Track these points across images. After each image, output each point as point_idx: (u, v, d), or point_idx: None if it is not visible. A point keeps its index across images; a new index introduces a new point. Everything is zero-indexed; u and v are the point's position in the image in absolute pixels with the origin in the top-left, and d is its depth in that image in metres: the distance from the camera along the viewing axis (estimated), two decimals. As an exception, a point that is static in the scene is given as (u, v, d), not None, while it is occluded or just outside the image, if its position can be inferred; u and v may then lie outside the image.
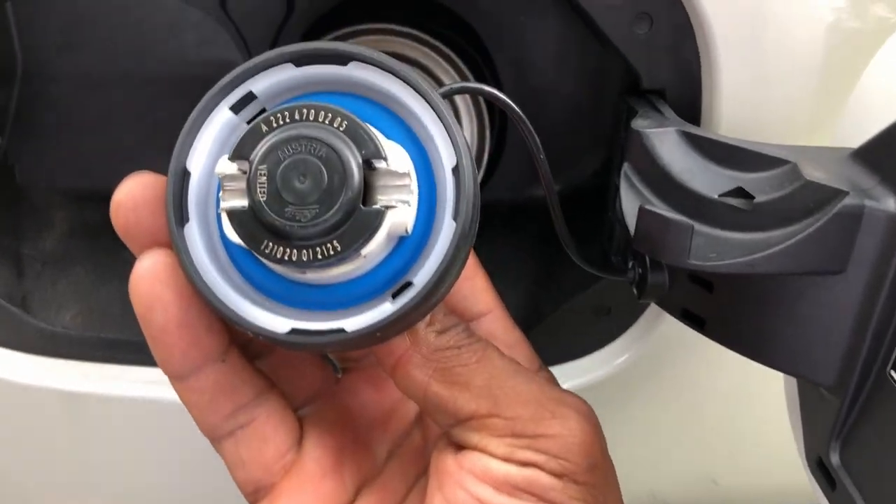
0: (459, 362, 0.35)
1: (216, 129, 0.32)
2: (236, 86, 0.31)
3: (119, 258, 0.57)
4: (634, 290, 0.42)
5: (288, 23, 0.54)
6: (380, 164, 0.28)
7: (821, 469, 0.36)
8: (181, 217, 0.31)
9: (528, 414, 0.35)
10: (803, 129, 0.44)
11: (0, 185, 0.55)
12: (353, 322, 0.30)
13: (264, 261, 0.30)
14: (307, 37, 0.55)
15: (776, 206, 0.34)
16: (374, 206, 0.28)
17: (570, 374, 0.53)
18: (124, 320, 0.54)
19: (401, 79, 0.31)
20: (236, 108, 0.32)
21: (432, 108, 0.31)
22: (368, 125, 0.29)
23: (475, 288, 0.41)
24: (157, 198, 0.33)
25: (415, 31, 0.54)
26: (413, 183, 0.30)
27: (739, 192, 0.35)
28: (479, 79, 0.55)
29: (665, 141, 0.39)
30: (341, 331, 0.30)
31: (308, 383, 0.41)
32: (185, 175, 0.31)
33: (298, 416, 0.39)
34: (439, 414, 0.36)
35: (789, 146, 0.37)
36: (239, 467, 0.37)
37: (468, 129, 0.55)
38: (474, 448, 0.35)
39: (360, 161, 0.28)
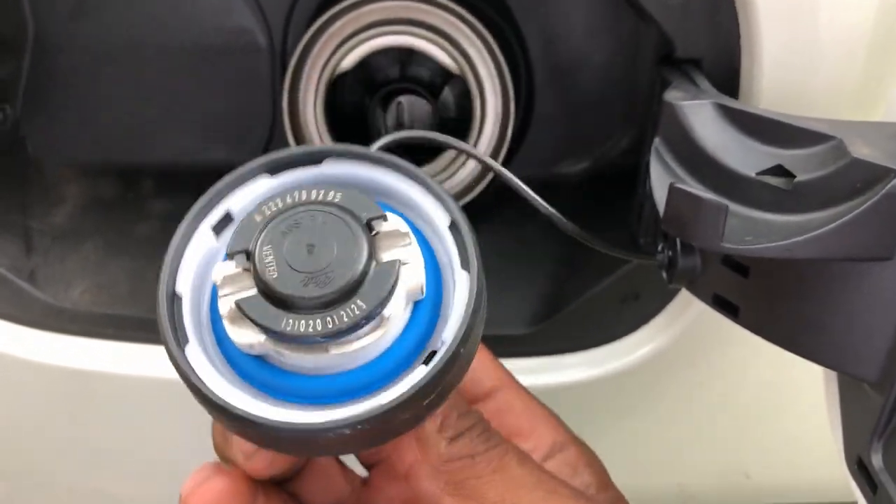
0: (473, 474, 0.33)
1: (199, 252, 0.31)
2: (214, 206, 0.32)
3: (129, 234, 0.56)
4: (664, 274, 0.40)
5: (305, -11, 0.53)
6: (381, 226, 0.29)
7: (861, 470, 0.35)
8: (178, 340, 0.29)
9: None
10: (851, 102, 0.42)
11: (11, 158, 0.54)
12: (388, 395, 0.29)
13: (283, 351, 0.29)
14: (324, 5, 0.53)
15: (819, 186, 0.32)
16: (388, 260, 0.29)
17: (596, 362, 0.51)
18: (133, 297, 0.53)
19: (374, 161, 0.32)
20: (218, 230, 0.32)
21: (412, 179, 0.32)
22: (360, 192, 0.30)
23: (481, 362, 0.39)
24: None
25: (437, -3, 0.52)
26: (414, 244, 0.30)
27: (779, 171, 0.34)
28: (505, 48, 0.53)
29: (699, 114, 0.37)
30: (378, 405, 0.28)
31: (334, 492, 0.39)
32: (174, 299, 0.30)
33: None
34: None
35: (835, 121, 0.35)
36: None
37: (493, 105, 0.53)
38: None
39: (364, 222, 0.29)
